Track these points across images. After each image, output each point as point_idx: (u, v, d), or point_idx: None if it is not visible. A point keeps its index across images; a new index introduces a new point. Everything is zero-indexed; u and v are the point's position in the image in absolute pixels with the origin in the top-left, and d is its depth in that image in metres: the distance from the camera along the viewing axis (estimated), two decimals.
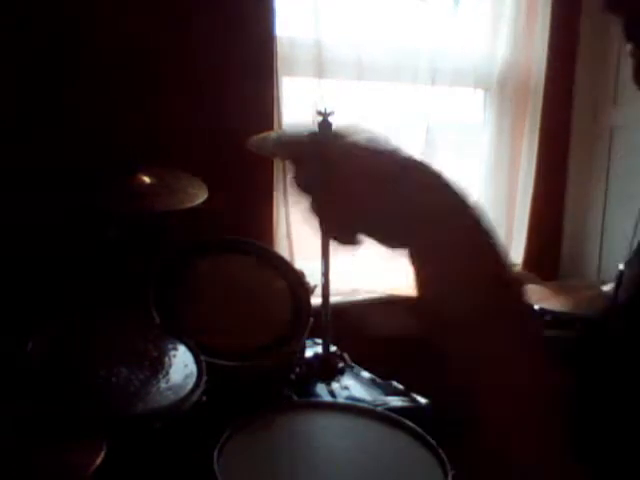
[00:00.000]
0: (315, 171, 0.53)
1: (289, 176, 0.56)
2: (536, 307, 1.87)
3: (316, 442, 1.32)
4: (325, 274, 1.77)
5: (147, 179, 1.57)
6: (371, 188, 0.52)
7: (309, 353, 1.72)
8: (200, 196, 1.59)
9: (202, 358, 1.33)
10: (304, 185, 0.54)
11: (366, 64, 2.10)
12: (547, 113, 2.40)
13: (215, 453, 1.17)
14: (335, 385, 1.65)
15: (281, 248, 2.01)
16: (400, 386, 1.65)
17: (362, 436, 1.35)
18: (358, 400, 1.56)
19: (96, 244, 1.61)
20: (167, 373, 1.28)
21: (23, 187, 1.56)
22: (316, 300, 1.74)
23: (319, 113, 1.73)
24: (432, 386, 1.49)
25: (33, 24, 1.64)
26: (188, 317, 1.49)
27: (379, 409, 1.41)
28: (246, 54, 1.88)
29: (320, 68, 2.02)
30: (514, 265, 2.45)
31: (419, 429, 1.30)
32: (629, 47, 0.66)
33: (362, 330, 1.05)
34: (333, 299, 1.83)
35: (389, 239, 0.53)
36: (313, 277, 1.74)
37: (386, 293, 2.00)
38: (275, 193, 2.02)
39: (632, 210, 2.23)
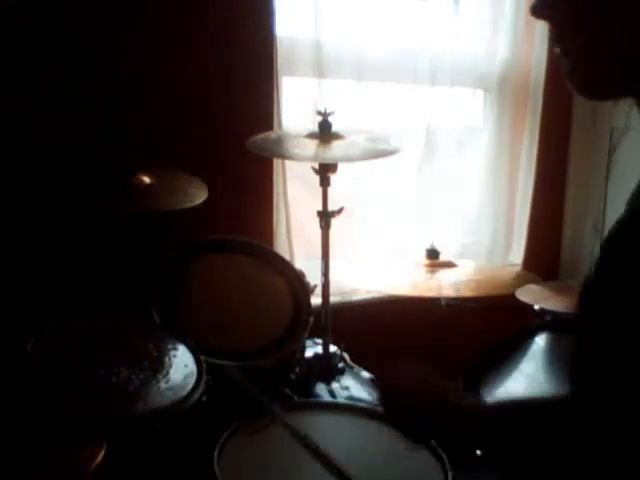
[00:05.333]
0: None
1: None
2: (536, 307, 1.87)
3: None
4: (325, 274, 1.77)
5: (147, 179, 1.57)
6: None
7: (309, 353, 1.72)
8: (200, 196, 1.59)
9: (202, 358, 1.33)
10: None
11: (366, 64, 2.09)
12: (547, 113, 2.40)
13: (215, 453, 1.17)
14: (335, 385, 1.66)
15: (281, 248, 2.01)
16: None
17: (362, 436, 1.35)
18: (358, 400, 1.56)
19: (96, 244, 1.60)
20: (167, 373, 1.28)
21: (23, 187, 1.56)
22: (316, 300, 1.74)
23: (319, 113, 1.73)
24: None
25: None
26: (188, 317, 1.49)
27: (379, 409, 1.41)
28: (246, 54, 1.88)
29: (320, 68, 2.02)
30: (514, 265, 2.45)
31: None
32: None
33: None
34: (333, 299, 1.84)
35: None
36: (313, 277, 1.74)
37: (386, 293, 2.00)
38: (275, 193, 2.02)
39: None
